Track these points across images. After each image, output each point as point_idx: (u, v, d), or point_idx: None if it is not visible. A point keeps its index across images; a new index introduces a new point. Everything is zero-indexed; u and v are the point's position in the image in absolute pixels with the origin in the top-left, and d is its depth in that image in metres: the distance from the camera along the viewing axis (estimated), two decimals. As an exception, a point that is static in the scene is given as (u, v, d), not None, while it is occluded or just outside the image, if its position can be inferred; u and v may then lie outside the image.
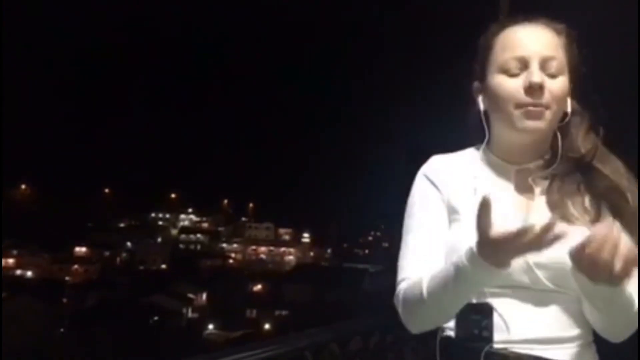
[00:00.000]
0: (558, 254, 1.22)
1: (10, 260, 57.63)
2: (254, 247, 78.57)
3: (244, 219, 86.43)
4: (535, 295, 1.27)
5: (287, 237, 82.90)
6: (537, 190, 1.35)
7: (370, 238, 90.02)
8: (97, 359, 28.25)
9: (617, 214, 1.28)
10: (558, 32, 1.35)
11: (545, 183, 1.35)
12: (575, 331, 1.29)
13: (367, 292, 44.12)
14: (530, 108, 1.29)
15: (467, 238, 1.25)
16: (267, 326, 42.19)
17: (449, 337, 1.33)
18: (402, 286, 1.34)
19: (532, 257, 1.25)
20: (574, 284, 1.22)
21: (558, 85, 1.31)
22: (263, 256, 77.40)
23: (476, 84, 1.40)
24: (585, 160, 1.34)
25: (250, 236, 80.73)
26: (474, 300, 1.30)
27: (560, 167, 1.34)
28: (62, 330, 35.60)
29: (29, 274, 56.45)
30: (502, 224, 1.22)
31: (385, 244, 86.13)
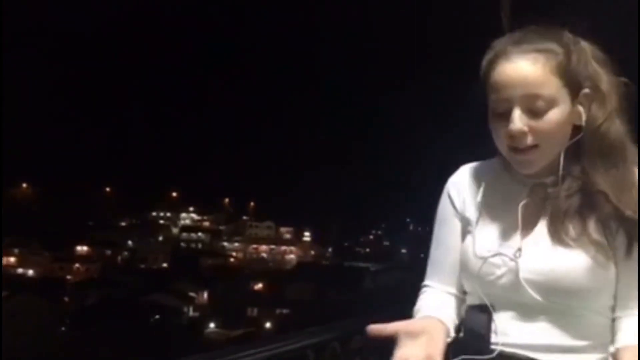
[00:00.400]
0: (548, 270, 1.28)
1: (12, 259, 57.68)
2: (255, 245, 78.53)
3: (245, 217, 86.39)
4: (536, 308, 1.30)
5: (288, 236, 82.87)
6: (547, 207, 1.34)
7: (371, 237, 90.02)
8: (99, 358, 28.25)
9: (627, 238, 1.28)
10: (550, 53, 1.29)
11: (555, 201, 1.33)
12: (581, 343, 1.30)
13: (368, 290, 44.14)
14: (518, 156, 1.30)
15: (471, 250, 1.36)
16: (268, 325, 42.21)
17: (455, 337, 1.36)
18: (421, 296, 1.48)
19: (523, 273, 1.28)
20: (571, 300, 1.27)
21: (545, 123, 1.27)
22: (264, 255, 77.38)
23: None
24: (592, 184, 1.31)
25: (251, 235, 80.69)
26: (477, 302, 1.35)
27: (569, 185, 1.32)
28: (63, 328, 35.66)
29: (30, 272, 56.49)
30: (502, 243, 1.33)
31: (386, 243, 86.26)
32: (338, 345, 2.11)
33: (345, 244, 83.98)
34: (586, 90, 1.31)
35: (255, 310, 46.21)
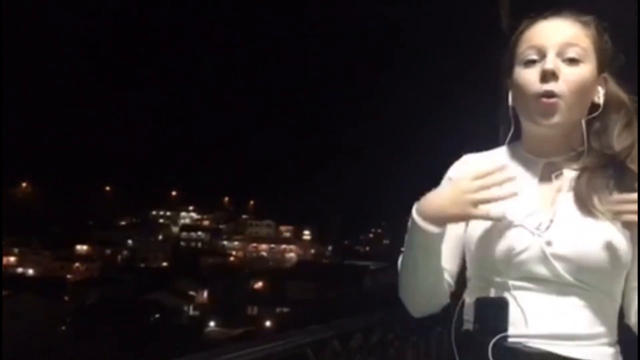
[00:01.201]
0: (577, 246, 1.24)
1: (12, 259, 57.69)
2: (254, 244, 78.59)
3: (244, 216, 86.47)
4: (555, 288, 1.26)
5: (288, 235, 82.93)
6: (565, 184, 1.32)
7: (371, 235, 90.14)
8: (99, 357, 28.23)
9: None
10: (586, 24, 1.33)
11: (574, 177, 1.32)
12: (595, 329, 1.26)
13: (368, 289, 44.13)
14: (544, 100, 1.28)
15: (481, 230, 1.32)
16: (268, 323, 42.18)
17: (466, 331, 1.32)
18: None
19: (550, 248, 1.25)
20: (595, 279, 1.24)
21: (576, 72, 1.29)
22: (264, 253, 77.42)
23: (507, 80, 1.40)
24: (618, 159, 1.30)
25: (251, 233, 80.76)
26: (492, 294, 1.31)
27: (589, 161, 1.31)
28: (63, 327, 35.64)
29: (31, 271, 56.50)
30: (524, 218, 1.29)
31: (386, 241, 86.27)
32: (338, 343, 2.11)
33: (345, 243, 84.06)
34: (606, 75, 1.34)
35: (255, 309, 46.19)
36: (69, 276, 53.08)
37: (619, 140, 1.32)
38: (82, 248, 63.71)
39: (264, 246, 78.55)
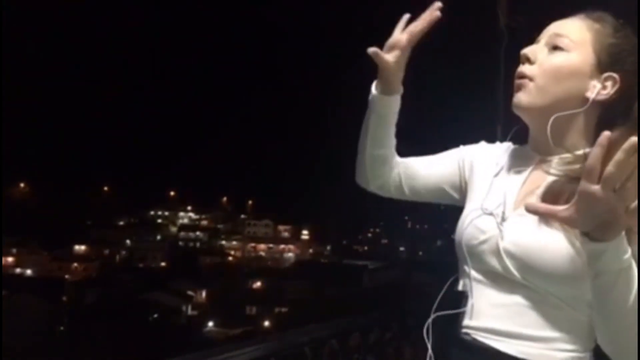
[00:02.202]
0: (526, 245, 1.24)
1: (10, 259, 57.58)
2: (253, 244, 78.52)
3: (243, 216, 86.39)
4: (508, 285, 1.26)
5: (286, 234, 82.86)
6: (542, 184, 1.30)
7: (369, 235, 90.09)
8: (97, 357, 28.20)
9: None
10: (595, 20, 1.33)
11: (554, 179, 1.30)
12: (546, 333, 1.23)
13: (366, 288, 44.11)
14: (516, 80, 1.31)
15: (465, 216, 1.37)
16: (266, 323, 42.16)
17: (433, 322, 1.33)
18: None
19: (502, 242, 1.26)
20: (544, 282, 1.22)
21: (553, 58, 1.29)
22: (262, 253, 77.36)
23: None
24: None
25: (249, 233, 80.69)
26: (459, 288, 1.33)
27: (572, 166, 1.27)
28: (61, 328, 35.59)
29: (28, 272, 56.38)
30: (494, 209, 1.31)
31: (385, 241, 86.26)
32: (336, 342, 2.11)
33: (344, 242, 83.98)
34: (613, 74, 1.29)
35: (254, 309, 46.14)
36: (67, 276, 52.95)
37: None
38: (80, 248, 63.61)
39: (262, 246, 78.48)
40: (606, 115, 1.30)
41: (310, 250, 80.00)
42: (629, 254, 1.07)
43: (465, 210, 1.40)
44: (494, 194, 1.36)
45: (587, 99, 1.29)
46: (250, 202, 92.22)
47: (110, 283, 44.99)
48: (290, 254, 76.82)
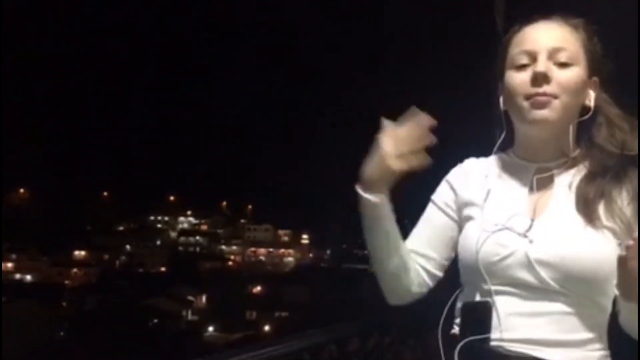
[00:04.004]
0: (561, 252, 1.24)
1: (9, 264, 57.52)
2: (253, 248, 78.44)
3: (242, 220, 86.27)
4: (539, 294, 1.26)
5: (286, 239, 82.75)
6: (556, 189, 1.33)
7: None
8: (97, 362, 28.18)
9: None
10: (575, 27, 1.35)
11: (565, 183, 1.32)
12: (579, 336, 1.26)
13: (366, 292, 44.09)
14: (537, 98, 1.29)
15: (475, 235, 1.32)
16: (267, 328, 42.12)
17: (453, 335, 1.33)
18: None
19: (533, 253, 1.25)
20: (579, 286, 1.23)
21: (567, 74, 1.30)
22: (262, 258, 77.28)
23: (500, 84, 1.41)
24: (626, 158, 1.29)
25: (249, 238, 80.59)
26: (477, 299, 1.32)
27: (593, 163, 1.32)
28: (61, 333, 35.57)
29: (28, 278, 56.32)
30: (510, 222, 1.30)
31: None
32: (335, 348, 2.11)
33: (344, 246, 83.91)
34: (596, 79, 1.35)
35: (254, 314, 46.11)
36: (66, 282, 52.91)
37: (627, 138, 1.31)
38: (79, 254, 63.56)
39: (262, 250, 78.39)
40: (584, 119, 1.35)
41: (310, 255, 79.91)
42: None
43: (469, 231, 1.37)
44: (500, 209, 1.34)
45: (587, 106, 1.34)
46: (250, 206, 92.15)
47: (110, 288, 44.94)
48: (290, 259, 76.75)
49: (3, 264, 54.19)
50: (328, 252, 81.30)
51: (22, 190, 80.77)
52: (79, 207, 76.97)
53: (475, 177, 1.43)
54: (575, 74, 1.31)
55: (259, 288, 54.01)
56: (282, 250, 78.77)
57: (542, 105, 1.29)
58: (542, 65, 1.30)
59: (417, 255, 1.47)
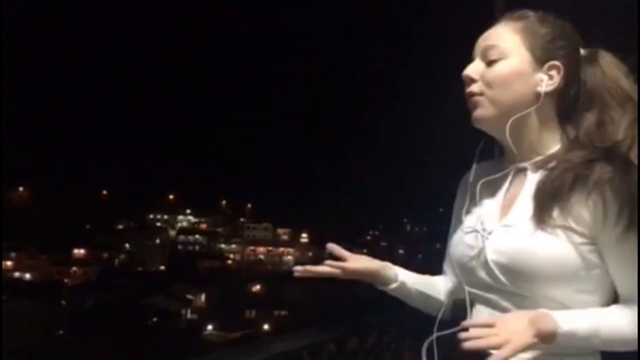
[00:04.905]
0: (512, 252, 1.25)
1: (9, 263, 57.50)
2: (252, 247, 78.41)
3: (242, 219, 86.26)
4: (502, 295, 1.27)
5: (285, 237, 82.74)
6: (524, 190, 1.32)
7: (368, 237, 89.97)
8: (97, 361, 28.18)
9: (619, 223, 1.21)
10: (519, 19, 1.35)
11: (535, 182, 1.31)
12: None
13: (365, 291, 44.10)
14: (469, 99, 1.34)
15: (452, 237, 1.42)
16: (266, 326, 42.13)
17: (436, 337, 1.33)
18: None
19: (490, 254, 1.27)
20: (535, 287, 1.23)
21: (493, 70, 1.32)
22: (261, 256, 77.26)
23: None
24: (618, 150, 1.24)
25: (248, 236, 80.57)
26: (454, 300, 1.36)
27: (552, 166, 1.30)
28: (61, 332, 35.58)
29: (28, 276, 56.31)
30: (479, 224, 1.34)
31: (384, 243, 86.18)
32: (334, 346, 2.11)
33: (343, 245, 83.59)
34: (556, 62, 1.32)
35: (253, 312, 46.13)
36: (66, 280, 52.89)
37: (617, 132, 1.27)
38: (79, 252, 63.53)
39: (261, 249, 78.37)
40: (564, 103, 1.34)
41: (310, 254, 79.87)
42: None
43: (452, 235, 1.44)
44: (477, 211, 1.38)
45: (539, 94, 1.31)
46: (249, 205, 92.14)
47: (109, 287, 44.92)
48: (290, 257, 76.71)
49: (3, 262, 54.17)
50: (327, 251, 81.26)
51: (21, 189, 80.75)
52: (79, 206, 76.95)
53: (471, 184, 1.45)
54: (502, 66, 1.31)
55: (258, 287, 54.03)
56: (281, 249, 78.74)
57: (472, 107, 1.33)
58: (468, 68, 1.34)
59: (445, 273, 1.55)
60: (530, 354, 1.20)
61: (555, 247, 1.22)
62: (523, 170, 1.35)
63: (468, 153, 1.53)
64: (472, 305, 1.31)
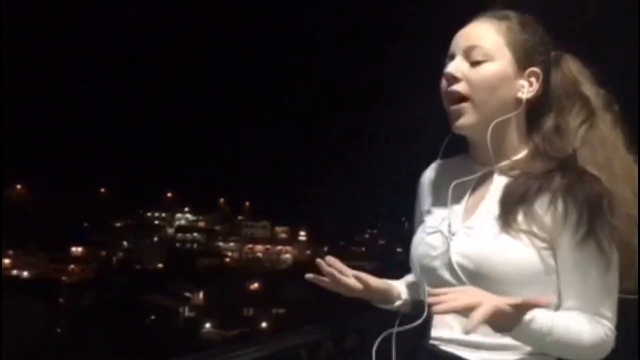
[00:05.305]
0: (476, 254, 1.26)
1: (7, 261, 57.51)
2: (250, 245, 78.52)
3: (240, 217, 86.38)
4: None
5: (283, 236, 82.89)
6: (490, 193, 1.32)
7: (367, 236, 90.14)
8: (94, 359, 28.21)
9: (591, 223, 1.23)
10: (502, 20, 1.32)
11: (501, 186, 1.31)
12: (503, 340, 1.23)
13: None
14: (452, 107, 1.29)
15: (418, 235, 1.41)
16: (264, 324, 42.18)
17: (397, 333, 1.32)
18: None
19: (454, 255, 1.27)
20: (498, 289, 1.22)
21: (479, 71, 1.28)
22: (260, 254, 77.37)
23: None
24: (570, 163, 1.27)
25: (246, 235, 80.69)
26: (416, 298, 1.38)
27: (529, 167, 1.30)
28: (58, 330, 35.58)
29: (25, 274, 56.35)
30: (442, 225, 1.33)
31: (382, 242, 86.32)
32: (332, 344, 2.10)
33: (341, 243, 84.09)
34: (535, 69, 1.31)
35: (251, 310, 46.17)
36: (64, 278, 52.94)
37: (573, 140, 1.29)
38: (77, 250, 63.58)
39: (259, 247, 78.49)
40: (534, 111, 1.34)
41: (308, 252, 79.98)
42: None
43: (415, 234, 1.44)
44: (440, 211, 1.37)
45: (519, 100, 1.31)
46: (247, 203, 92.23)
47: (107, 285, 44.96)
48: (288, 255, 76.83)
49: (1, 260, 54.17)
50: (325, 249, 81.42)
51: (19, 186, 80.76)
52: (77, 203, 76.99)
53: (433, 182, 1.46)
54: (489, 69, 1.28)
55: (256, 285, 54.08)
56: (279, 247, 78.87)
57: (457, 115, 1.29)
58: (451, 66, 1.29)
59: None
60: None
61: (519, 251, 1.24)
62: (489, 173, 1.34)
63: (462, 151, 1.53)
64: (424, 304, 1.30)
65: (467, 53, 1.30)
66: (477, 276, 1.25)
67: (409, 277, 1.52)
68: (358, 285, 1.37)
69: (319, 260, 1.39)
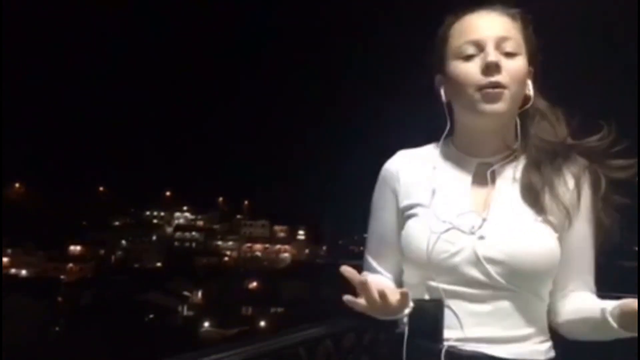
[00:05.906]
0: (510, 248, 1.24)
1: (5, 259, 57.49)
2: (249, 244, 78.56)
3: (239, 216, 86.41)
4: (488, 291, 1.25)
5: (282, 234, 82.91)
6: (500, 184, 1.33)
7: (365, 235, 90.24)
8: (93, 357, 28.18)
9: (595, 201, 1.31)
10: (513, 17, 1.33)
11: (508, 177, 1.33)
12: (527, 330, 1.27)
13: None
14: (489, 90, 1.27)
15: (424, 230, 1.30)
16: (262, 323, 42.16)
17: (400, 333, 1.29)
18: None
19: (483, 250, 1.25)
20: (526, 282, 1.24)
21: (516, 63, 1.29)
22: (258, 253, 77.40)
23: (438, 76, 1.37)
24: (562, 146, 1.33)
25: (245, 234, 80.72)
26: (427, 297, 1.29)
27: (534, 155, 1.33)
28: (57, 328, 35.55)
29: (24, 272, 56.35)
30: (458, 220, 1.29)
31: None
32: (331, 343, 2.10)
33: (340, 242, 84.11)
34: (532, 69, 1.35)
35: (250, 309, 46.15)
36: (62, 277, 52.94)
37: (560, 129, 1.34)
38: (75, 249, 63.60)
39: (258, 246, 78.51)
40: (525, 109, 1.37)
41: (306, 251, 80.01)
42: None
43: (415, 230, 1.32)
44: (446, 205, 1.32)
45: (528, 97, 1.34)
46: (246, 202, 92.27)
47: (105, 283, 44.94)
48: (286, 254, 76.86)
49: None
50: (324, 248, 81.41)
51: (18, 185, 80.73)
52: (75, 202, 76.99)
53: (419, 171, 1.40)
54: (521, 63, 1.30)
55: (254, 284, 54.08)
56: (278, 246, 78.90)
57: (494, 99, 1.27)
58: (492, 55, 1.28)
59: (379, 272, 1.47)
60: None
61: (545, 242, 1.26)
62: (488, 164, 1.34)
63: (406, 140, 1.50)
64: (442, 304, 1.27)
65: (500, 43, 1.29)
66: (508, 270, 1.24)
67: (378, 277, 1.43)
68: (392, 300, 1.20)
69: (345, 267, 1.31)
